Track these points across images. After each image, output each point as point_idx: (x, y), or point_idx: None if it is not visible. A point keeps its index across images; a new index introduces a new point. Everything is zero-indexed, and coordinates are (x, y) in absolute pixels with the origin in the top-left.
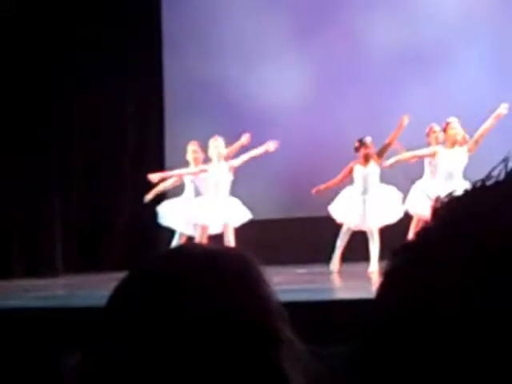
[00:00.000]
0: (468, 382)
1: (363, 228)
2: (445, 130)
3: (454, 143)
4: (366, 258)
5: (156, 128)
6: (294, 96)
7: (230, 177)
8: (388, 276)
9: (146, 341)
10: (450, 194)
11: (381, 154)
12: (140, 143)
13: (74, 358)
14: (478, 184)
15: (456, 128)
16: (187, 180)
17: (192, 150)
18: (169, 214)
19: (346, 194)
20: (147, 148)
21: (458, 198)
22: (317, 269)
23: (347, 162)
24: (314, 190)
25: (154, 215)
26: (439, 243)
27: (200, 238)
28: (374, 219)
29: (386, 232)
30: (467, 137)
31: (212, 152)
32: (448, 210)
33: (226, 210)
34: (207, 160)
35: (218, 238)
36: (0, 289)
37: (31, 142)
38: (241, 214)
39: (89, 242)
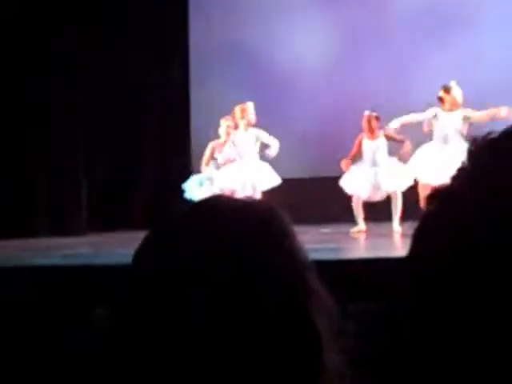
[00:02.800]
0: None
1: (376, 198)
2: (446, 94)
3: (453, 106)
4: (387, 218)
5: (182, 89)
6: (319, 56)
7: (258, 142)
8: (426, 218)
9: (170, 297)
10: (487, 135)
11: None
12: (165, 104)
13: (100, 311)
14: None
15: (457, 91)
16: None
17: (227, 125)
18: (194, 188)
19: (355, 167)
20: (173, 109)
21: (496, 140)
22: (341, 228)
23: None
24: (343, 166)
25: (179, 175)
26: (474, 184)
27: None
28: (387, 186)
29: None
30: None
31: (239, 120)
32: (484, 151)
33: (254, 175)
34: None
35: None
36: (25, 247)
37: (57, 103)
38: (269, 179)
39: (113, 201)
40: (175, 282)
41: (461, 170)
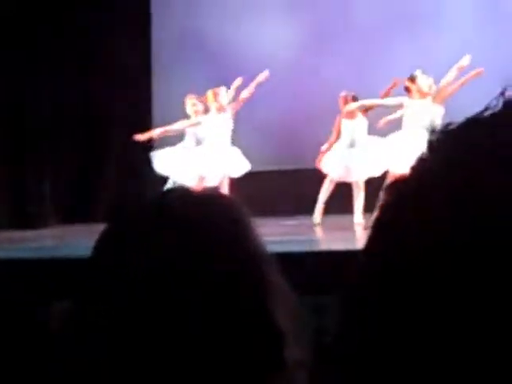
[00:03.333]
0: (468, 337)
1: (347, 180)
2: (411, 83)
3: (421, 95)
4: (349, 210)
5: (144, 82)
6: (284, 50)
7: (230, 127)
8: (384, 211)
9: (130, 289)
10: (446, 125)
11: (366, 109)
12: (128, 96)
13: (61, 306)
14: (474, 116)
15: (423, 79)
16: (189, 130)
17: (191, 103)
18: (165, 162)
19: (334, 148)
20: (137, 99)
21: (455, 130)
22: (305, 220)
23: (333, 117)
24: (320, 154)
25: (144, 164)
26: (436, 176)
27: (196, 187)
28: (360, 171)
29: (370, 184)
30: (434, 87)
31: (211, 103)
32: (445, 141)
33: (225, 160)
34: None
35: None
36: None
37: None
38: (240, 165)
39: (77, 193)
40: (134, 274)
41: (421, 161)
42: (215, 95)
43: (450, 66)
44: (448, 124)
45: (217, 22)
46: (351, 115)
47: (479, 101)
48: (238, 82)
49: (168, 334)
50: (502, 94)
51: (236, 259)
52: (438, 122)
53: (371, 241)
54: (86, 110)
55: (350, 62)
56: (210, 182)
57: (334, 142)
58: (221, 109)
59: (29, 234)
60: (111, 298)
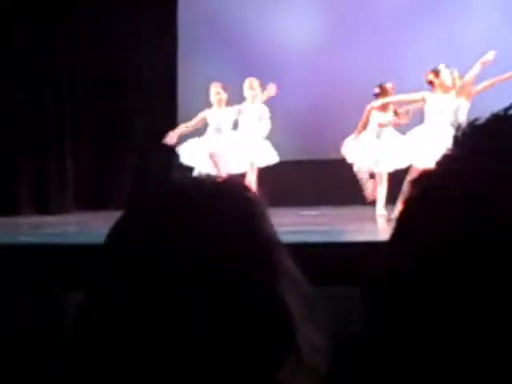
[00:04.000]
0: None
1: (374, 170)
2: (435, 77)
3: (444, 89)
4: (371, 201)
5: (169, 67)
6: (309, 39)
7: (263, 118)
8: (408, 205)
9: (142, 280)
10: (473, 121)
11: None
12: (153, 82)
13: (78, 296)
14: (500, 112)
15: (446, 74)
16: (210, 120)
17: (215, 91)
18: (191, 153)
19: (360, 137)
20: (161, 87)
21: (481, 125)
22: (327, 211)
23: (360, 106)
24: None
25: (166, 154)
26: (462, 170)
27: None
28: (386, 163)
29: (393, 177)
30: (459, 81)
31: (247, 93)
32: (471, 136)
33: (254, 150)
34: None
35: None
36: (9, 225)
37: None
38: (268, 156)
39: (100, 180)
40: (147, 264)
41: (446, 156)
42: (251, 84)
43: (476, 59)
44: (474, 120)
45: (244, 8)
46: (383, 108)
47: (505, 96)
48: (272, 91)
49: (177, 320)
50: None
51: (247, 247)
52: (463, 117)
53: (396, 234)
54: (111, 97)
55: (374, 52)
56: (237, 170)
57: (361, 132)
58: (255, 98)
59: (51, 219)
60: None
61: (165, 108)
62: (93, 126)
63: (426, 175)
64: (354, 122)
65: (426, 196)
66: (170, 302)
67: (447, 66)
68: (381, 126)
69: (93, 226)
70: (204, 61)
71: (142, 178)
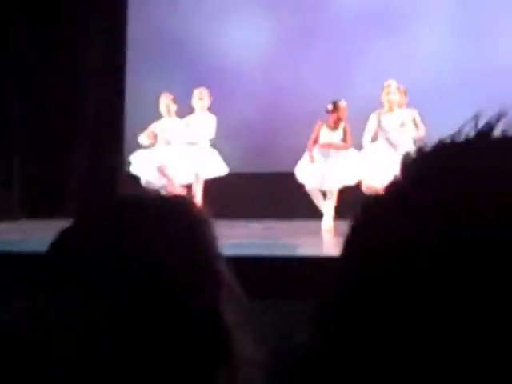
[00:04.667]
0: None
1: (322, 188)
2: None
3: (390, 108)
4: (318, 215)
5: (118, 81)
6: (257, 52)
7: (212, 128)
8: (358, 230)
9: (82, 292)
10: (419, 149)
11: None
12: (101, 94)
13: (22, 303)
14: (444, 141)
15: (392, 92)
16: (159, 131)
17: (165, 102)
18: (140, 163)
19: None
20: (109, 99)
21: (425, 155)
22: (274, 224)
23: (309, 120)
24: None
25: (113, 161)
26: (414, 197)
27: (169, 186)
28: (334, 180)
29: (343, 193)
30: (405, 99)
31: (196, 103)
32: (421, 164)
33: (201, 161)
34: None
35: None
36: None
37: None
38: (216, 167)
39: (47, 188)
40: (88, 275)
41: (392, 183)
42: (201, 95)
43: (425, 72)
44: (422, 147)
45: (193, 21)
46: (334, 125)
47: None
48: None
49: (115, 331)
50: (476, 117)
51: (189, 261)
52: (411, 127)
53: (341, 260)
54: (58, 106)
55: (325, 63)
56: (183, 181)
57: (313, 147)
58: (204, 109)
59: None
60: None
61: (112, 121)
62: (40, 133)
63: (371, 201)
64: (304, 135)
65: (373, 220)
66: (110, 314)
67: (395, 80)
68: (329, 145)
69: (36, 234)
70: (152, 73)
71: (90, 185)
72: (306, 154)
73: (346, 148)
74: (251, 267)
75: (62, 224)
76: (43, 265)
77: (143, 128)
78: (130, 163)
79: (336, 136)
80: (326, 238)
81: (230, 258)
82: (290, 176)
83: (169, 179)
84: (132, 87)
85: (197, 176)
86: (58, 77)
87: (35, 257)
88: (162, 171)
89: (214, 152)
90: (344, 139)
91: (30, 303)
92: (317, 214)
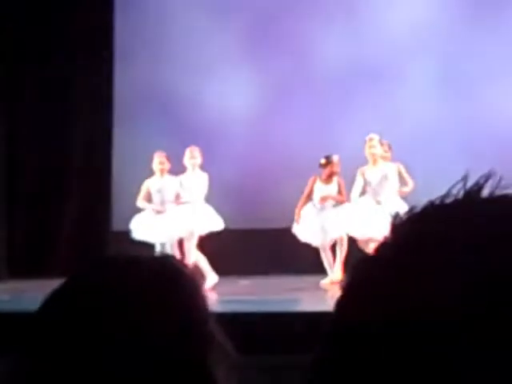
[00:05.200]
0: None
1: (326, 243)
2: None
3: (374, 161)
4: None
5: (104, 138)
6: (244, 107)
7: (204, 185)
8: (350, 290)
9: (69, 351)
10: (409, 210)
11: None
12: (88, 150)
13: (6, 363)
14: (438, 201)
15: (374, 146)
16: (153, 190)
17: (159, 161)
18: (141, 229)
19: (305, 213)
20: (96, 157)
21: (418, 214)
22: (258, 280)
23: (297, 174)
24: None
25: (103, 221)
26: (404, 258)
27: (171, 247)
28: (335, 230)
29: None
30: (388, 155)
31: (187, 162)
32: (411, 226)
33: (195, 218)
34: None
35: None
36: None
37: None
38: (211, 223)
39: (35, 249)
40: (74, 336)
41: (383, 244)
42: (192, 152)
43: (410, 126)
44: (411, 208)
45: (180, 78)
46: (328, 179)
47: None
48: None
49: None
50: (463, 179)
51: (181, 322)
52: (394, 180)
53: (342, 304)
54: (45, 161)
55: (310, 118)
56: (175, 237)
57: (305, 204)
58: (195, 166)
59: None
60: (52, 359)
61: (99, 178)
62: (28, 190)
63: (364, 260)
64: (293, 190)
65: (358, 286)
66: (104, 373)
67: (378, 134)
68: (324, 199)
69: (24, 294)
70: (139, 131)
71: (78, 245)
72: (302, 213)
73: (342, 201)
74: (241, 323)
75: (49, 284)
76: (31, 326)
77: (130, 185)
78: (131, 231)
79: (330, 190)
80: (319, 294)
81: (221, 315)
82: (281, 232)
83: (182, 254)
84: (118, 146)
85: (191, 233)
86: (46, 128)
87: (23, 317)
88: (174, 246)
89: (209, 208)
90: (338, 193)
91: (7, 367)
92: (310, 269)
